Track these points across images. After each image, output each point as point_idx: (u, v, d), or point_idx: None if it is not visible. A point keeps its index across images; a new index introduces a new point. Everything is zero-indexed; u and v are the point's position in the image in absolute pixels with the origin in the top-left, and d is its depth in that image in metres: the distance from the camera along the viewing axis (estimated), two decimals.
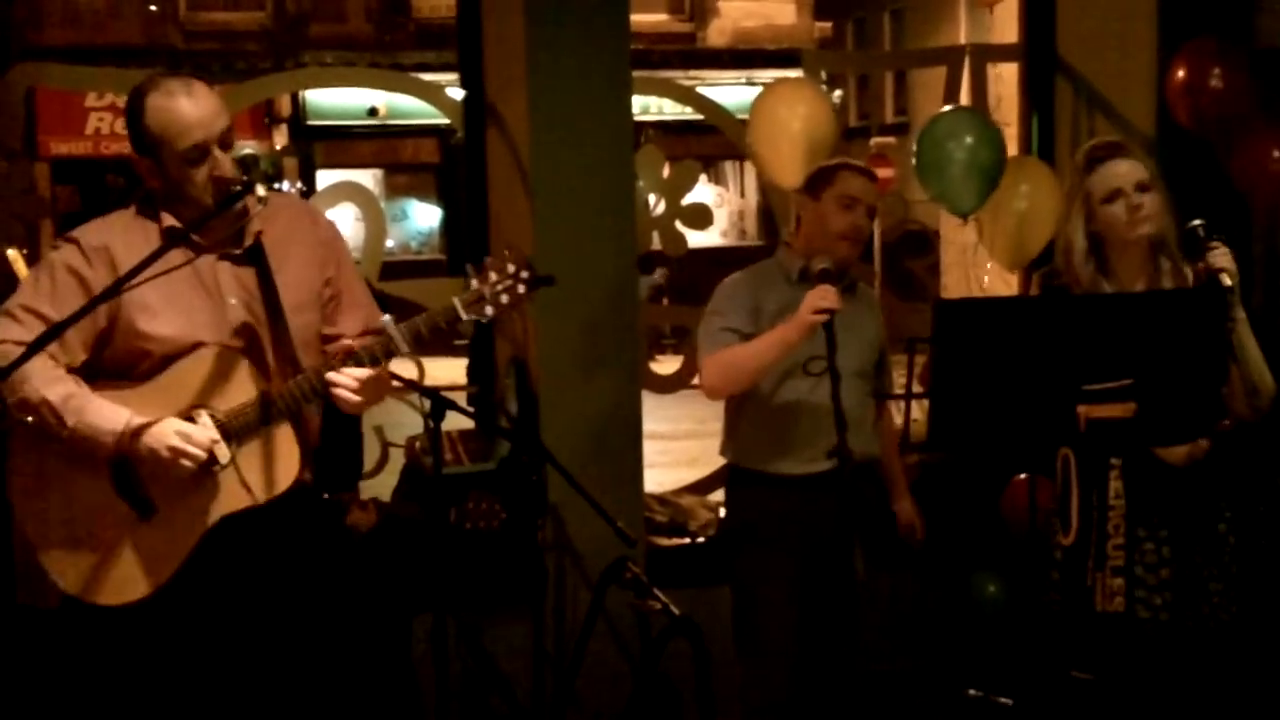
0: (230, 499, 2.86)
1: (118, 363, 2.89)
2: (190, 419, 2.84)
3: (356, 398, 2.85)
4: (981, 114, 4.81)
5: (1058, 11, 4.97)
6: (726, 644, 3.72)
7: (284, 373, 2.92)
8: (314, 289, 3.00)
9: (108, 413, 2.81)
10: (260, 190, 2.77)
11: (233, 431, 2.85)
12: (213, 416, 2.84)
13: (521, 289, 2.88)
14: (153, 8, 17.08)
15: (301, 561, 2.98)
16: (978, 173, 4.54)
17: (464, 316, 2.85)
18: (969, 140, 4.52)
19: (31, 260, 4.78)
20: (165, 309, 2.84)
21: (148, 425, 2.80)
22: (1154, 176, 3.32)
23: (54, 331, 2.71)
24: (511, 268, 2.88)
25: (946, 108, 4.84)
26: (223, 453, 2.84)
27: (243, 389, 2.85)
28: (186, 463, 2.79)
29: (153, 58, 15.19)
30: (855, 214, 3.57)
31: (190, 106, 2.81)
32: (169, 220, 2.88)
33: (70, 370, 2.85)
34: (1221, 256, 3.20)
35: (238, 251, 2.91)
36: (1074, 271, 3.33)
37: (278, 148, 16.46)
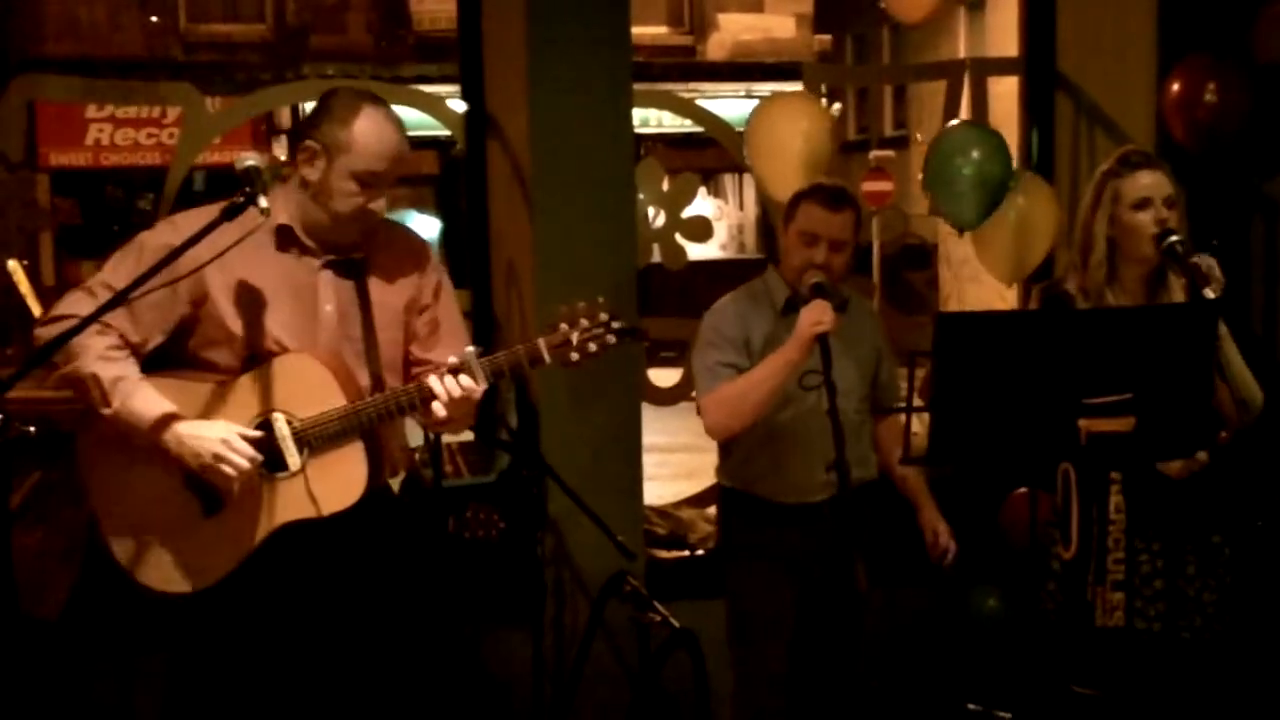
0: (293, 507, 2.86)
1: (200, 351, 2.90)
2: (267, 422, 2.85)
3: (444, 412, 2.85)
4: (989, 129, 4.80)
5: (1058, 25, 4.98)
6: (725, 656, 3.72)
7: (370, 386, 2.94)
8: (402, 312, 3.02)
9: (154, 405, 2.81)
10: (263, 202, 2.77)
11: (308, 440, 2.85)
12: (289, 422, 2.85)
13: (611, 339, 2.88)
14: (153, 19, 17.09)
15: (368, 569, 2.99)
16: (984, 187, 4.52)
17: (547, 360, 2.86)
18: (976, 155, 4.50)
19: (32, 271, 4.78)
20: (255, 305, 2.86)
21: (195, 428, 2.80)
22: (1178, 193, 3.32)
23: (110, 304, 2.73)
24: (604, 316, 2.87)
25: (953, 121, 4.84)
26: (294, 460, 2.85)
27: (328, 399, 2.85)
28: (228, 469, 2.79)
29: (153, 70, 15.19)
30: (816, 250, 3.45)
31: (396, 141, 2.89)
32: (282, 216, 2.89)
33: (141, 350, 2.85)
34: (1211, 267, 3.20)
35: (340, 260, 2.94)
36: (1088, 273, 3.33)
37: (281, 159, 16.47)
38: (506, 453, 4.41)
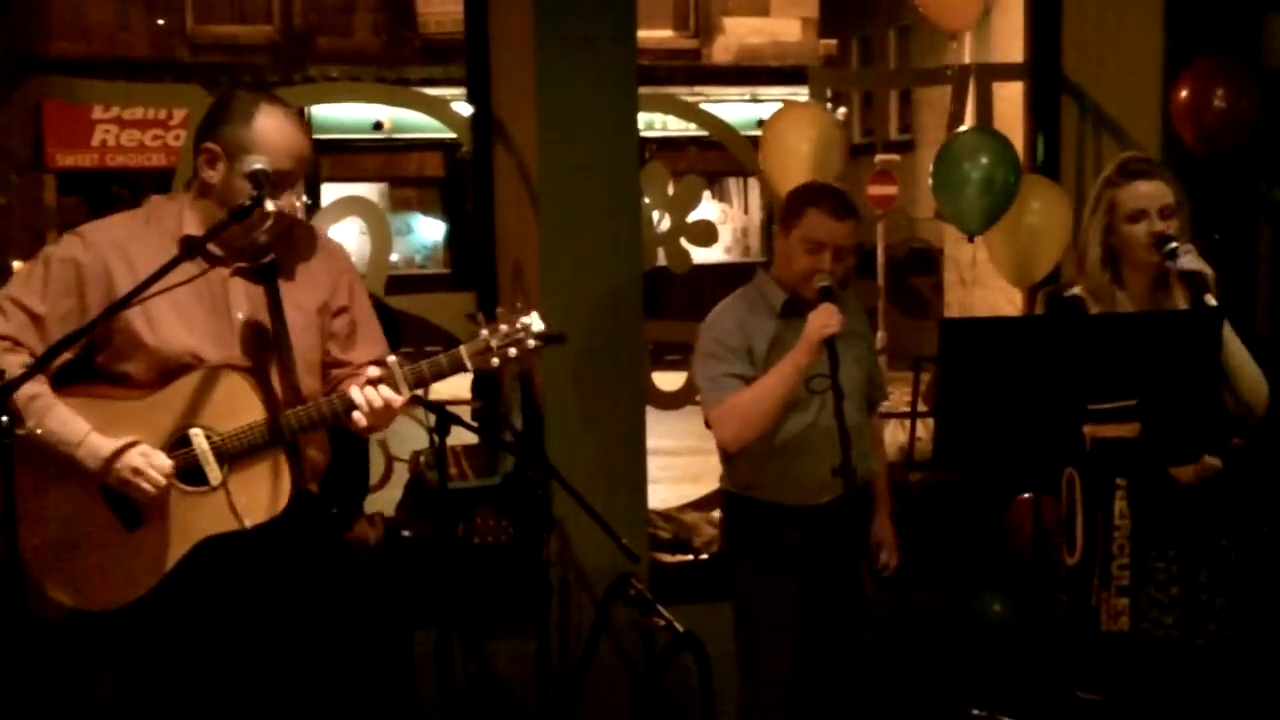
0: (216, 521, 2.84)
1: (111, 364, 2.86)
2: (185, 438, 2.82)
3: (364, 421, 2.83)
4: (997, 133, 4.79)
5: (1063, 30, 4.98)
6: (730, 660, 3.72)
7: (286, 393, 2.90)
8: (315, 315, 2.98)
9: (70, 423, 2.79)
10: (269, 205, 2.76)
11: (228, 454, 2.82)
12: (209, 437, 2.82)
13: (531, 343, 2.85)
14: (160, 21, 17.12)
15: (303, 575, 2.97)
16: (991, 192, 4.51)
17: (469, 367, 2.85)
18: (984, 160, 4.48)
19: None
20: (167, 317, 2.82)
21: (111, 444, 2.78)
22: (1179, 200, 3.31)
23: (61, 346, 2.70)
24: (523, 321, 2.85)
25: (963, 127, 4.83)
26: (214, 474, 2.82)
27: (247, 411, 2.83)
28: (144, 484, 2.77)
29: (160, 71, 15.23)
30: (819, 258, 3.43)
31: (300, 139, 2.86)
32: (190, 227, 2.86)
33: (56, 367, 2.80)
34: (1193, 259, 3.18)
35: (251, 267, 2.90)
36: (1089, 277, 3.32)
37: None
38: (511, 455, 4.41)
